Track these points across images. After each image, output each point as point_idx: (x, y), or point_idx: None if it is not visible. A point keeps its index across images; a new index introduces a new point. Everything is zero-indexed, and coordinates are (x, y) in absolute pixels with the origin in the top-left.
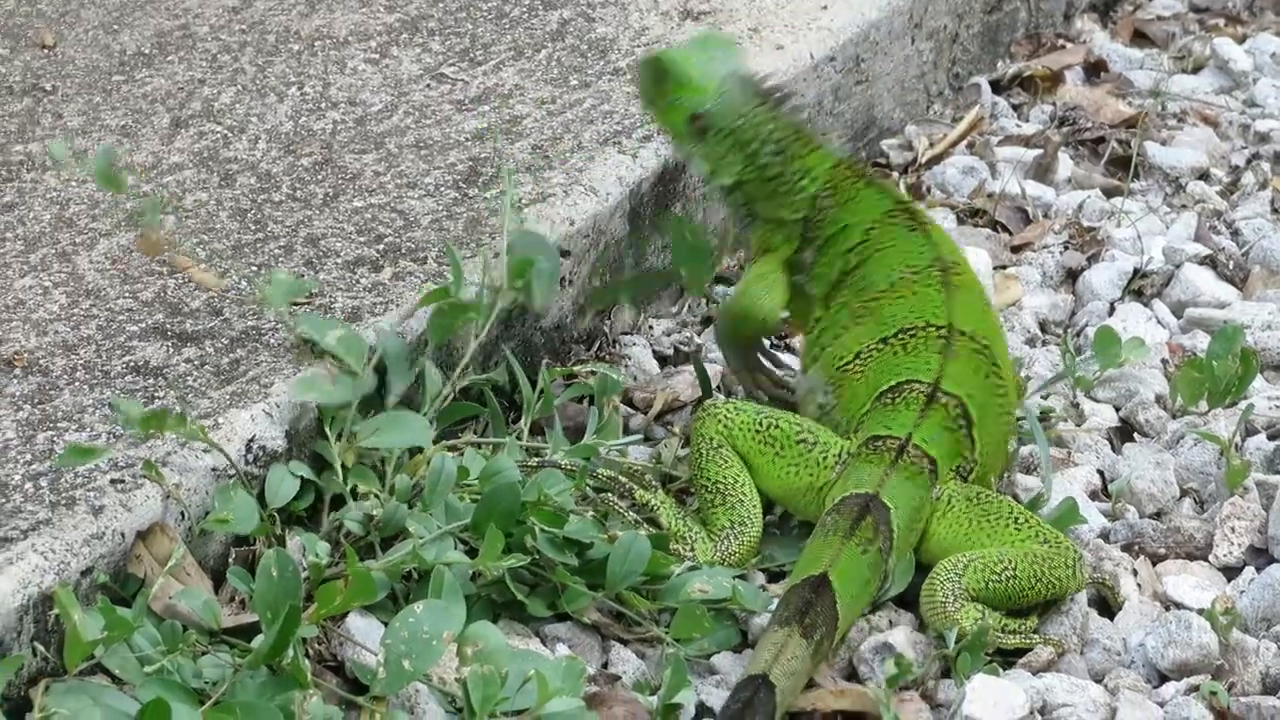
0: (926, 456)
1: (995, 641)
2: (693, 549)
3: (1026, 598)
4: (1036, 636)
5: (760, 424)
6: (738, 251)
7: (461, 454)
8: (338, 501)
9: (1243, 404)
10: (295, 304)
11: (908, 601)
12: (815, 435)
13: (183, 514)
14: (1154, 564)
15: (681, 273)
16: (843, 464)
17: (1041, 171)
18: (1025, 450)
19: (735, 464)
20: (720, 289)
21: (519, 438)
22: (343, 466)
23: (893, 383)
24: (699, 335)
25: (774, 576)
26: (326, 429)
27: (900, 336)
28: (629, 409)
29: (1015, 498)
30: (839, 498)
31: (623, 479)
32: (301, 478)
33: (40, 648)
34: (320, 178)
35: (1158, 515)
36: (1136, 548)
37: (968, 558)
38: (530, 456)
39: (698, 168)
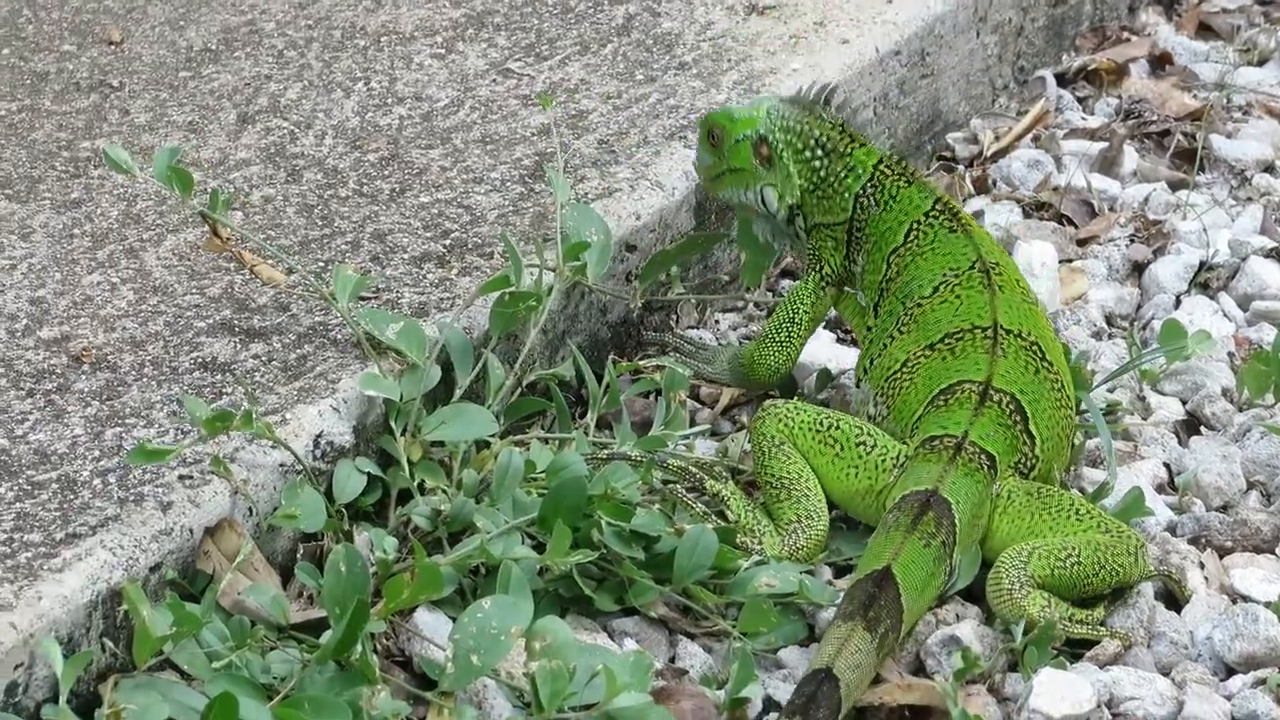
0: (984, 453)
1: (1063, 632)
2: (760, 542)
3: (1091, 585)
4: (1103, 629)
5: (821, 424)
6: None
7: (528, 448)
8: (405, 497)
9: None
10: (361, 299)
11: (974, 595)
12: (874, 438)
13: (251, 510)
14: (1221, 557)
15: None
16: (900, 467)
17: (1107, 165)
18: (1091, 444)
19: (798, 459)
20: (785, 282)
21: (585, 432)
22: (409, 461)
23: (944, 385)
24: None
25: (840, 571)
26: (392, 424)
27: (947, 341)
28: (695, 404)
29: (1081, 491)
30: (899, 495)
31: (692, 469)
32: (368, 473)
33: (109, 643)
34: (386, 173)
35: (1224, 508)
36: (1203, 541)
37: (1031, 546)
38: (598, 450)
39: (769, 198)
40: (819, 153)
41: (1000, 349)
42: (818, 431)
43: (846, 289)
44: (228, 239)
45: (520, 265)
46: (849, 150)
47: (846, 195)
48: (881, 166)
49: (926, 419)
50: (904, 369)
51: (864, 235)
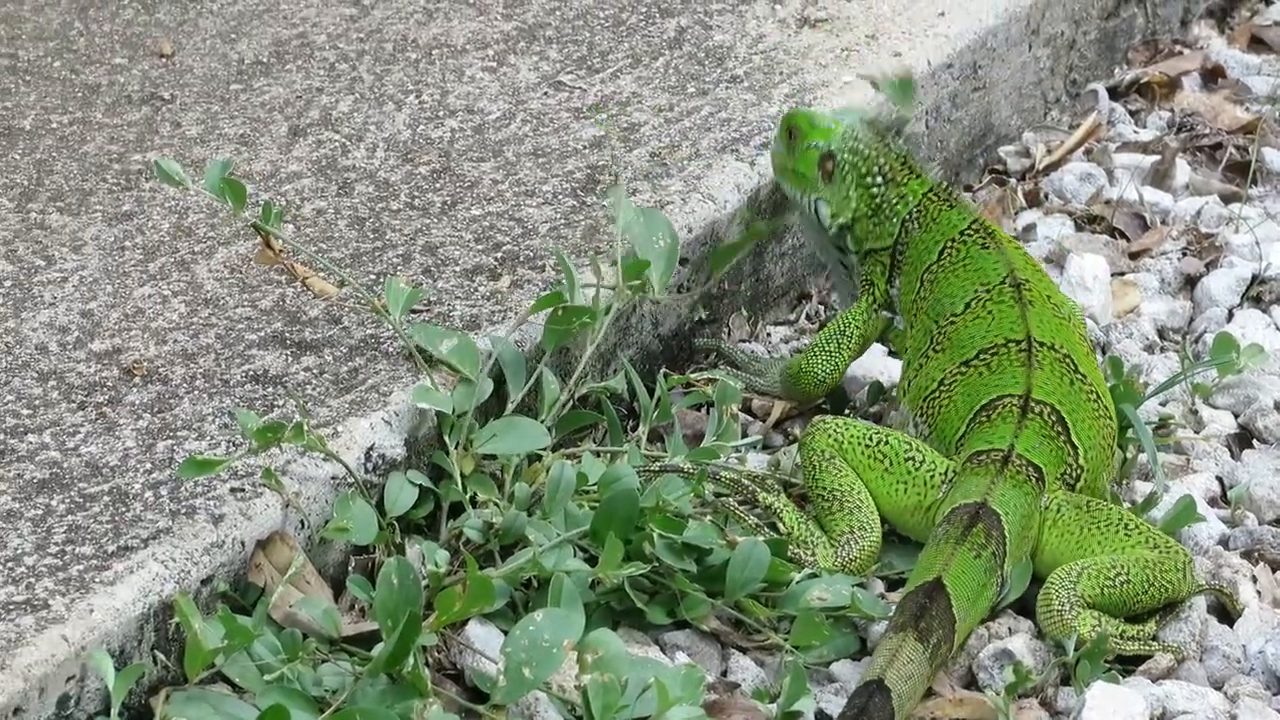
0: (1031, 465)
1: (1114, 648)
2: (814, 554)
3: (1140, 603)
4: (1155, 644)
5: (870, 439)
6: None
7: (580, 461)
8: (456, 509)
9: None
10: (413, 312)
11: (1027, 608)
12: (923, 453)
13: (302, 522)
14: (1273, 571)
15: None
16: (949, 483)
17: (1159, 178)
18: (1143, 458)
19: (849, 472)
20: (837, 295)
21: (637, 445)
22: (461, 474)
23: (984, 401)
24: None
25: (893, 585)
26: (445, 437)
27: (981, 357)
28: (747, 416)
29: (1131, 503)
30: (949, 509)
31: (745, 481)
32: (419, 485)
33: (161, 656)
34: (438, 186)
35: (1277, 522)
36: (1256, 554)
37: (1081, 565)
38: (650, 462)
39: (822, 212)
40: (878, 180)
41: (1035, 361)
42: (867, 447)
43: (890, 315)
44: (280, 251)
45: (574, 281)
46: (905, 180)
47: (895, 220)
48: (930, 194)
49: (971, 435)
50: (941, 388)
51: (904, 258)
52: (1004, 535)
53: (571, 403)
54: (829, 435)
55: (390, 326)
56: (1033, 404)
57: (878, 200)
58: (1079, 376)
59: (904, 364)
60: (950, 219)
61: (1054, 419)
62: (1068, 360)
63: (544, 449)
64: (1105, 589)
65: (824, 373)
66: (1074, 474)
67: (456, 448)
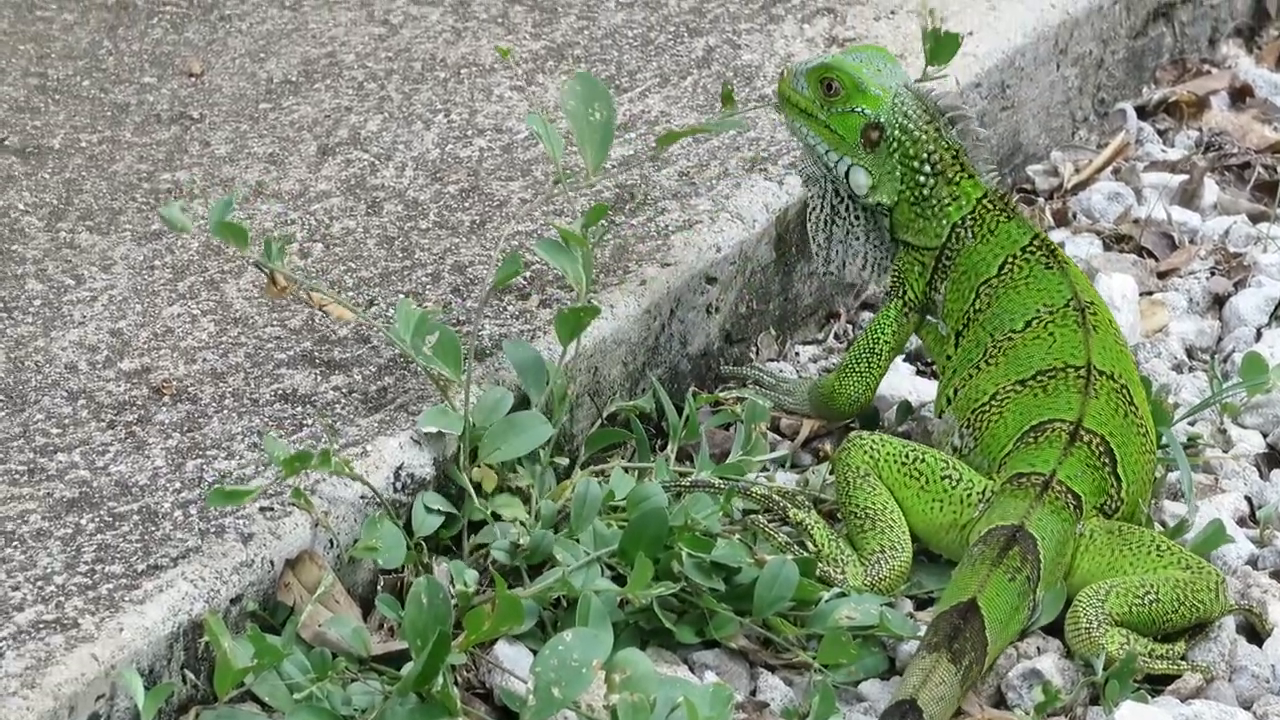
0: (1071, 492)
1: (1143, 667)
2: (843, 572)
3: (1171, 622)
4: (1184, 663)
5: (906, 457)
6: (881, 278)
7: (607, 478)
8: (478, 526)
9: None
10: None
11: (1055, 628)
12: (960, 472)
13: (332, 541)
14: None
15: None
16: (986, 502)
17: (1187, 197)
18: (1172, 477)
19: (883, 491)
20: (865, 315)
21: (666, 463)
22: (482, 492)
23: (1035, 423)
24: None
25: (922, 604)
26: (459, 454)
27: (1039, 379)
28: (776, 435)
29: (1161, 524)
30: (985, 530)
31: (776, 496)
32: (441, 510)
33: (190, 675)
34: (467, 205)
35: None
36: None
37: (1109, 584)
38: (679, 478)
39: (856, 180)
40: (928, 169)
41: (1093, 390)
42: (903, 464)
43: (929, 317)
44: (284, 288)
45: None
46: (957, 178)
47: (944, 222)
48: (985, 200)
49: (1015, 455)
50: (993, 402)
51: (953, 264)
52: (1039, 560)
53: (600, 421)
54: (864, 451)
55: (404, 350)
56: (1083, 432)
57: (924, 191)
58: (1133, 409)
59: (947, 369)
60: (1010, 233)
61: (1102, 450)
62: (1124, 392)
63: (546, 446)
64: (1134, 607)
65: (856, 393)
66: (1114, 505)
67: (474, 464)
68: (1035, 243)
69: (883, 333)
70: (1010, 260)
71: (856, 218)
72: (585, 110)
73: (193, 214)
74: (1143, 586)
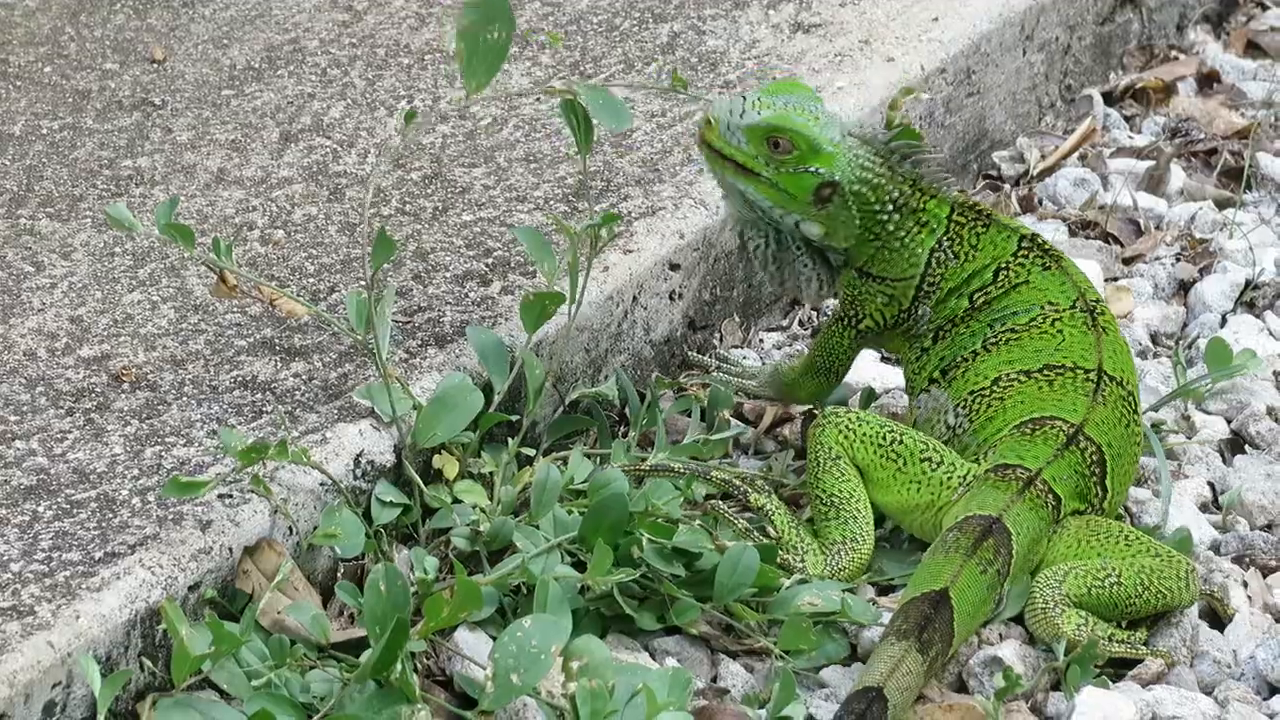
0: (1052, 493)
1: (1103, 650)
2: (803, 560)
3: (1134, 606)
4: (1145, 649)
5: (884, 438)
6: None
7: (566, 463)
8: (431, 512)
9: None
10: (404, 319)
11: (1017, 616)
12: (941, 455)
13: (291, 529)
14: (1265, 576)
15: None
16: (966, 486)
17: (1153, 183)
18: (1145, 462)
19: (852, 478)
20: (830, 301)
21: (626, 449)
22: (440, 476)
23: (1035, 416)
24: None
25: (884, 590)
26: (408, 442)
27: (1045, 373)
28: (739, 422)
29: (1127, 511)
30: (962, 516)
31: (736, 481)
32: (392, 502)
33: (148, 662)
34: (429, 191)
35: (1268, 527)
36: (1247, 560)
37: (1068, 566)
38: (639, 460)
39: (808, 230)
40: (889, 209)
41: (1101, 396)
42: (880, 445)
43: (908, 332)
44: (235, 286)
45: (551, 264)
46: (921, 204)
47: (919, 251)
48: (955, 216)
49: (1006, 444)
50: (994, 387)
51: (938, 286)
52: (1011, 554)
53: (562, 408)
54: (840, 431)
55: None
56: (1081, 438)
57: (890, 227)
58: (1135, 417)
59: (921, 357)
60: (994, 240)
61: (1095, 459)
62: (1129, 399)
63: (535, 447)
64: (1093, 589)
65: (815, 391)
66: (1094, 512)
67: (412, 449)
68: (1025, 245)
69: (836, 355)
70: (1004, 267)
71: (801, 251)
72: (484, 30)
73: (153, 201)
74: (1103, 570)
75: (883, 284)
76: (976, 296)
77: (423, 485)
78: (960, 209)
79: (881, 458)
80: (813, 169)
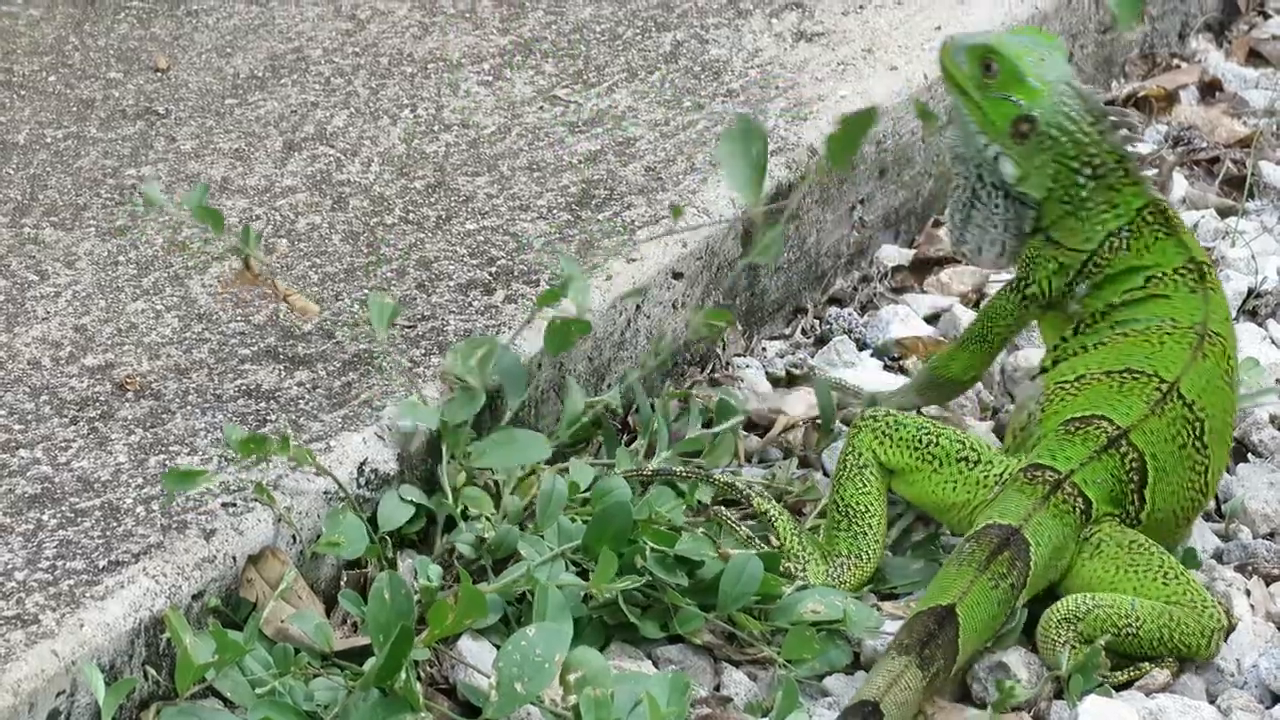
0: (1081, 496)
1: (1104, 681)
2: (804, 569)
3: (1145, 654)
4: (1147, 664)
5: (920, 440)
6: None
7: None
8: (450, 524)
9: None
10: (407, 327)
11: (1028, 627)
12: (979, 453)
13: (294, 537)
14: (1268, 584)
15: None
16: (1002, 485)
17: (1156, 191)
18: None
19: (873, 490)
20: (832, 309)
21: (632, 458)
22: (453, 488)
23: (1085, 413)
24: (812, 357)
25: (885, 597)
26: (443, 450)
27: (1123, 375)
28: (745, 432)
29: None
30: (981, 525)
31: (740, 485)
32: (413, 501)
33: (151, 671)
34: (433, 200)
35: (1271, 535)
36: (1250, 568)
37: (1092, 603)
38: (643, 465)
39: (1004, 168)
40: (1087, 172)
41: (1161, 408)
42: (916, 448)
43: (1059, 310)
44: (259, 275)
45: (580, 285)
46: (1119, 185)
47: (1099, 229)
48: (1146, 212)
49: (1046, 441)
50: (1076, 382)
51: (1100, 271)
52: (1028, 567)
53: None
54: (875, 435)
55: (378, 342)
56: (1124, 443)
57: (1082, 194)
58: (1199, 446)
59: (1059, 345)
60: (1166, 251)
61: (1135, 466)
62: (1197, 425)
63: (543, 462)
64: (1107, 633)
65: (962, 369)
66: (1129, 523)
67: (451, 461)
68: (1189, 265)
69: (998, 322)
70: (1159, 275)
71: (998, 205)
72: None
73: (155, 210)
74: (1126, 617)
75: (1059, 250)
76: (1125, 295)
77: (454, 492)
78: (1152, 208)
79: (918, 460)
80: (1014, 98)
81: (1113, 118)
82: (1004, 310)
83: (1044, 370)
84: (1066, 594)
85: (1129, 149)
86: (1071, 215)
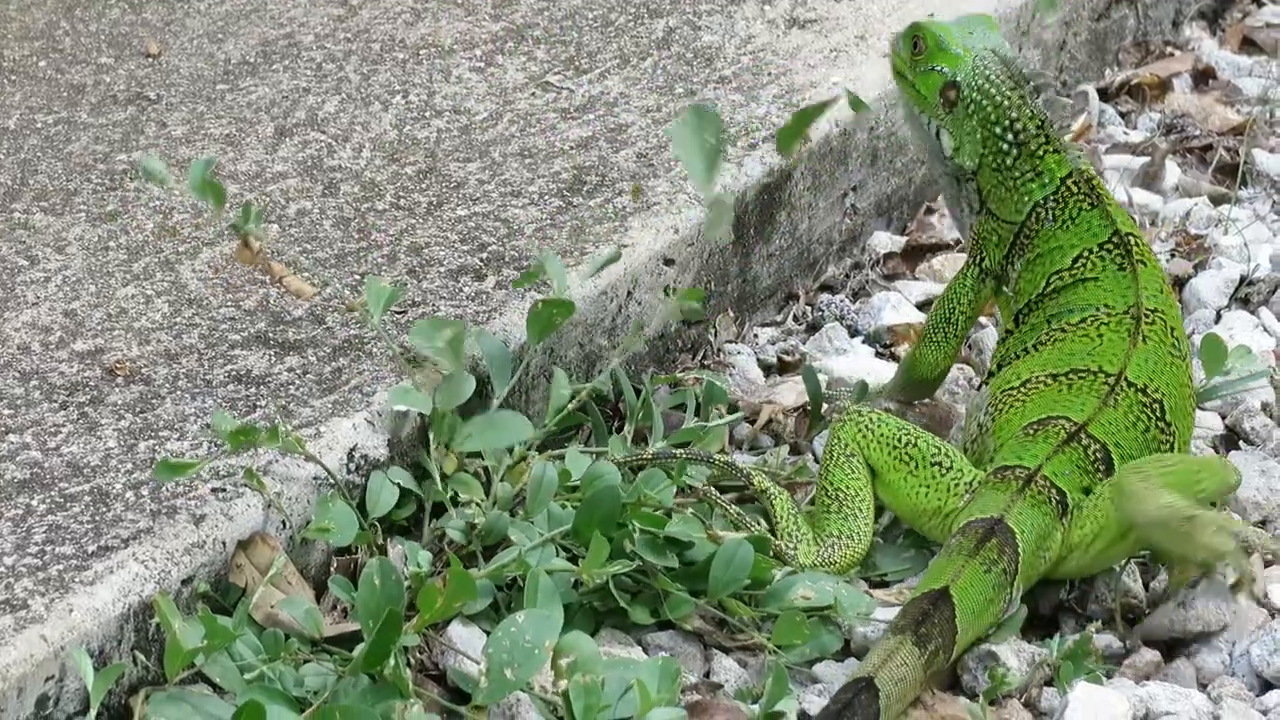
0: (1055, 488)
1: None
2: (795, 548)
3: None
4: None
5: (899, 440)
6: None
7: (563, 460)
8: (440, 510)
9: None
10: (398, 313)
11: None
12: (951, 460)
13: (284, 523)
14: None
15: None
16: (971, 493)
17: (1149, 179)
18: None
19: (861, 476)
20: (824, 296)
21: (624, 444)
22: (443, 475)
23: (1042, 417)
24: (804, 344)
25: (876, 584)
26: (430, 436)
27: (1070, 376)
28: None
29: None
30: (964, 522)
31: (738, 465)
32: (402, 486)
33: (141, 656)
34: (424, 186)
35: (1263, 523)
36: None
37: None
38: (640, 451)
39: (944, 141)
40: (1009, 138)
41: (1113, 399)
42: (895, 446)
43: (1004, 288)
44: (258, 252)
45: (562, 276)
46: (1041, 151)
47: (1025, 200)
48: (1069, 181)
49: (1008, 446)
50: (1022, 388)
51: (1030, 244)
52: (1017, 553)
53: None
54: (859, 429)
55: (372, 327)
56: (1084, 435)
57: (1006, 160)
58: (1160, 425)
59: (1006, 342)
60: (1091, 224)
61: (1099, 456)
62: (1155, 407)
63: (528, 443)
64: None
65: (935, 360)
66: None
67: (439, 447)
68: (1114, 239)
69: (958, 300)
70: (1085, 254)
71: (953, 187)
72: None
73: (147, 195)
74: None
75: (998, 223)
76: (1052, 279)
77: (444, 479)
78: (1076, 177)
79: (895, 459)
80: (938, 67)
81: (1029, 75)
82: (963, 289)
83: (990, 375)
84: (1070, 566)
85: (1049, 114)
86: (1001, 185)
